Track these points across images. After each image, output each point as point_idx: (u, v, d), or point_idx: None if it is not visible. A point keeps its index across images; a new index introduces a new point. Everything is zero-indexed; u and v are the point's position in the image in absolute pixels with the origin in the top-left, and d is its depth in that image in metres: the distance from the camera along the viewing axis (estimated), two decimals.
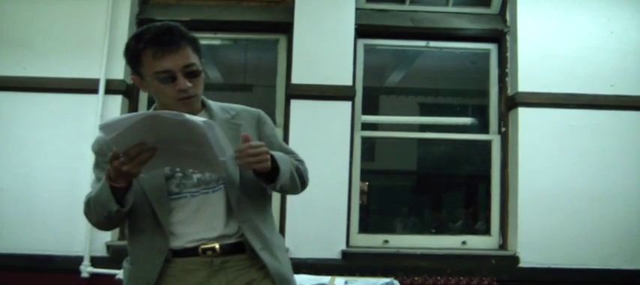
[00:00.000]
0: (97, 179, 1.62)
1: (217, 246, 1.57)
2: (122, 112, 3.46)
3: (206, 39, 3.84)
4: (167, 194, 1.56)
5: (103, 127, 1.34)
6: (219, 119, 1.64)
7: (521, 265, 3.38)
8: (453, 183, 4.42)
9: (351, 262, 3.33)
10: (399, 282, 3.15)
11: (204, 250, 1.57)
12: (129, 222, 1.64)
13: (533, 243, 3.37)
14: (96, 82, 3.40)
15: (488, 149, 3.68)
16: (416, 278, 3.28)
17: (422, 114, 4.60)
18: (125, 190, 1.47)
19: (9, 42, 3.47)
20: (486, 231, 3.66)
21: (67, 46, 3.46)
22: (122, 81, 3.46)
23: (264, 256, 1.58)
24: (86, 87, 3.40)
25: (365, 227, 3.64)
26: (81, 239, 3.29)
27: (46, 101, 3.42)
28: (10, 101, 3.42)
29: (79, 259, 3.28)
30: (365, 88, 3.71)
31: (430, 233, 3.85)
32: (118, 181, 1.43)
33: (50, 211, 3.32)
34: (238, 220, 1.58)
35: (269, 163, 1.49)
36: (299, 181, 1.66)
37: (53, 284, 3.28)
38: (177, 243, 1.58)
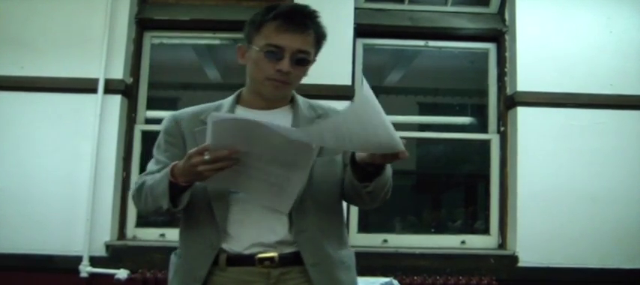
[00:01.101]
0: (156, 162, 1.56)
1: (276, 256, 1.46)
2: (121, 112, 3.45)
3: (205, 39, 3.85)
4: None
5: (214, 117, 1.27)
6: (303, 117, 1.58)
7: (521, 264, 3.38)
8: (452, 182, 4.42)
9: None
10: (399, 281, 3.16)
11: (262, 260, 1.46)
12: (183, 212, 1.54)
13: (533, 242, 3.37)
14: (95, 81, 3.39)
15: (488, 149, 3.68)
16: (415, 278, 3.28)
17: (421, 113, 4.58)
18: (183, 189, 1.39)
19: (7, 41, 3.46)
20: (485, 230, 3.66)
21: (66, 46, 3.46)
22: (121, 80, 3.46)
23: (315, 273, 1.46)
24: (85, 86, 3.40)
25: (364, 226, 3.63)
26: (80, 239, 3.29)
27: (45, 101, 3.41)
28: (8, 101, 3.42)
29: (77, 259, 3.28)
30: None
31: (429, 233, 3.84)
32: (182, 177, 1.35)
33: (49, 210, 3.32)
34: (296, 228, 1.47)
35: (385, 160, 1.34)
36: (382, 198, 1.51)
37: (52, 284, 3.27)
38: (232, 246, 1.48)
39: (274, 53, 1.47)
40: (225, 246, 1.48)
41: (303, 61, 1.51)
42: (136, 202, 1.54)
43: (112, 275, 3.26)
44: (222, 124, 1.28)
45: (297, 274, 1.48)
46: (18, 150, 3.37)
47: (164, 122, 1.61)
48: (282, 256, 1.47)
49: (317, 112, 1.62)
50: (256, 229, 1.46)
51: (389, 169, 1.46)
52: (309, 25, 1.50)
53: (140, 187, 1.50)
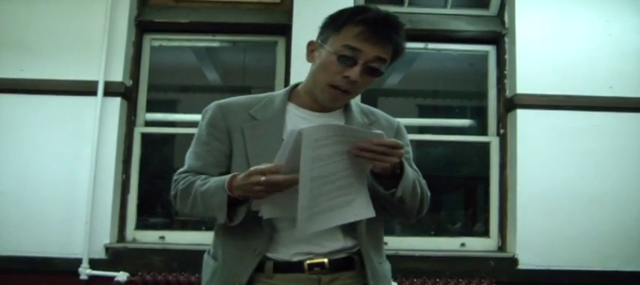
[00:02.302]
0: (196, 156, 1.48)
1: (326, 261, 1.41)
2: (121, 115, 3.46)
3: (204, 41, 3.85)
4: None
5: (306, 131, 1.21)
6: (355, 123, 1.52)
7: (520, 266, 3.38)
8: (452, 185, 4.42)
9: None
10: (398, 284, 3.16)
11: (311, 266, 1.40)
12: None
13: (532, 245, 3.37)
14: (94, 84, 3.39)
15: (487, 151, 3.68)
16: (415, 280, 3.28)
17: (420, 116, 4.59)
18: (241, 201, 1.33)
19: (7, 44, 3.46)
20: (485, 233, 3.66)
21: (66, 48, 3.46)
22: (121, 83, 3.46)
23: (373, 283, 1.44)
24: (85, 89, 3.40)
25: None
26: (79, 241, 3.28)
27: (45, 103, 3.41)
28: (8, 103, 3.42)
29: (77, 261, 3.27)
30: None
31: (429, 235, 3.84)
32: (239, 191, 1.30)
33: (49, 213, 3.32)
34: (355, 237, 1.44)
35: (391, 163, 1.31)
36: (419, 201, 1.46)
37: None
38: (279, 254, 1.41)
39: (348, 58, 1.40)
40: (270, 254, 1.41)
41: (375, 72, 1.43)
42: (179, 203, 1.45)
43: (111, 277, 3.26)
44: (310, 134, 1.21)
45: (347, 280, 1.44)
46: (18, 152, 3.37)
47: (208, 112, 1.51)
48: (332, 262, 1.42)
49: (369, 119, 1.57)
50: (307, 238, 1.37)
51: (411, 173, 1.41)
52: (390, 37, 1.42)
53: (188, 189, 1.41)
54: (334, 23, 1.44)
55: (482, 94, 3.80)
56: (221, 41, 3.83)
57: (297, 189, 1.22)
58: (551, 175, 3.40)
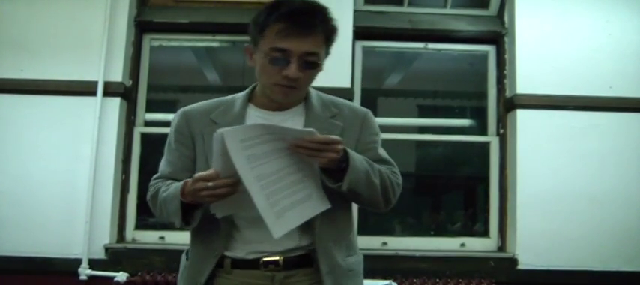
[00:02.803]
0: (167, 162, 1.54)
1: (280, 259, 1.43)
2: (120, 115, 3.46)
3: (204, 41, 3.85)
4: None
5: (226, 133, 1.23)
6: (316, 117, 1.50)
7: (520, 266, 3.38)
8: (452, 185, 4.42)
9: None
10: (398, 284, 3.16)
11: (266, 263, 1.44)
12: None
13: (532, 245, 3.37)
14: (94, 84, 3.39)
15: (487, 151, 3.68)
16: (415, 280, 3.28)
17: (420, 116, 4.59)
18: (195, 206, 1.37)
19: (6, 44, 3.46)
20: (485, 233, 3.66)
21: (65, 48, 3.46)
22: (120, 83, 3.46)
23: (328, 280, 1.43)
24: (84, 89, 3.40)
25: (364, 229, 3.63)
26: (79, 241, 3.28)
27: (44, 103, 3.41)
28: (8, 103, 3.42)
29: (77, 262, 3.27)
30: (363, 90, 3.71)
31: (429, 235, 3.84)
32: (190, 198, 1.34)
33: (48, 213, 3.32)
34: (314, 236, 1.44)
35: (329, 158, 1.31)
36: (381, 190, 1.44)
37: None
38: (236, 251, 1.45)
39: (279, 59, 1.38)
40: (228, 252, 1.46)
41: (312, 65, 1.41)
42: (151, 208, 1.52)
43: (111, 278, 3.26)
44: (231, 136, 1.23)
45: (302, 276, 1.46)
46: (17, 153, 3.37)
47: (174, 119, 1.56)
48: (286, 260, 1.44)
49: (332, 111, 1.54)
50: (261, 236, 1.38)
51: (360, 165, 1.38)
52: (314, 26, 1.39)
53: (155, 196, 1.48)
54: (257, 26, 1.43)
55: (482, 94, 3.80)
56: (221, 41, 3.83)
57: (246, 189, 1.25)
58: (551, 175, 3.40)
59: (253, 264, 1.44)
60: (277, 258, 1.43)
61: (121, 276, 3.25)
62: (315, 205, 1.36)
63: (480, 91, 3.85)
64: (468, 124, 4.18)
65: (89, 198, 3.30)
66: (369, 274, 3.20)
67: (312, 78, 1.46)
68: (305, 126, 1.47)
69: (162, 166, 1.56)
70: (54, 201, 3.33)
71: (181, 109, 1.56)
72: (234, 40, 3.80)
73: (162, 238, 3.48)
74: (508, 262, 3.40)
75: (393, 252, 3.46)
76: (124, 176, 3.51)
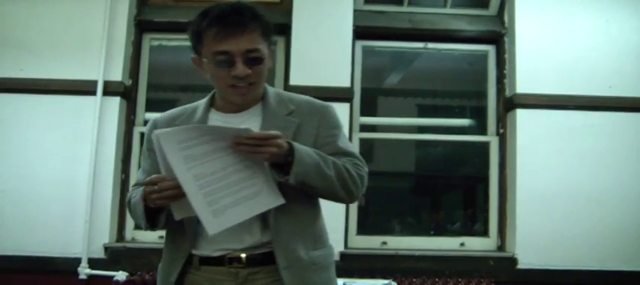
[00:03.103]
0: (142, 170, 1.62)
1: (244, 257, 1.48)
2: (120, 114, 3.46)
3: None
4: None
5: (160, 135, 1.30)
6: (273, 114, 1.54)
7: (520, 266, 3.38)
8: (452, 184, 4.42)
9: (349, 264, 3.32)
10: (398, 283, 3.16)
11: (231, 260, 1.48)
12: (166, 220, 1.53)
13: (532, 244, 3.37)
14: (94, 83, 3.39)
15: (487, 151, 3.68)
16: (414, 280, 3.28)
17: (420, 115, 4.59)
18: (158, 210, 1.44)
19: (6, 43, 3.46)
20: (484, 232, 3.66)
21: (65, 48, 3.46)
22: (120, 82, 3.46)
23: (287, 275, 1.45)
24: (84, 88, 3.40)
25: (363, 229, 3.63)
26: (79, 241, 3.29)
27: (44, 103, 3.41)
28: (8, 103, 3.41)
29: (76, 261, 3.27)
30: (363, 90, 3.71)
31: (428, 235, 3.84)
32: (147, 202, 1.41)
33: (48, 212, 3.32)
34: (271, 232, 1.47)
35: (270, 153, 1.35)
36: (339, 184, 1.47)
37: None
38: (202, 250, 1.50)
39: (224, 61, 1.44)
40: (195, 251, 1.52)
41: (257, 60, 1.46)
42: (130, 214, 1.60)
43: (110, 277, 3.25)
44: (167, 138, 1.28)
45: (265, 274, 1.49)
46: (17, 152, 3.37)
47: (147, 128, 1.64)
48: (249, 257, 1.48)
49: (289, 108, 1.56)
50: (226, 235, 1.42)
51: (308, 158, 1.42)
52: (246, 23, 1.43)
53: (129, 202, 1.56)
54: (194, 35, 1.48)
55: (482, 94, 3.81)
56: None
57: (214, 179, 1.33)
58: (550, 175, 3.40)
59: (219, 261, 1.49)
60: (241, 255, 1.48)
61: (121, 275, 3.25)
62: (266, 201, 1.40)
63: (479, 91, 3.85)
64: (467, 123, 4.18)
65: (89, 197, 3.30)
66: (369, 273, 3.23)
67: (262, 73, 1.50)
68: (262, 124, 1.51)
69: (139, 174, 1.64)
70: (53, 200, 3.33)
71: (152, 119, 1.65)
72: None
73: (161, 237, 3.44)
74: (507, 262, 3.40)
75: (393, 251, 3.46)
76: (123, 176, 3.51)
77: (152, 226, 1.47)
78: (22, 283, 3.24)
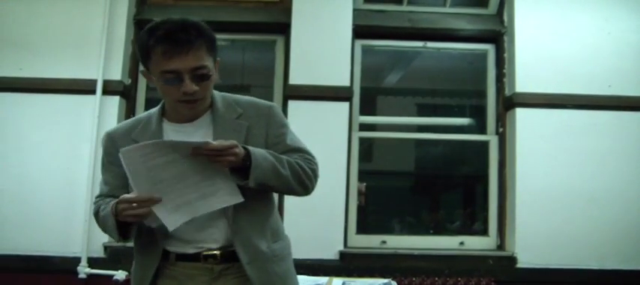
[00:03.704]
0: (104, 182, 1.67)
1: (218, 253, 1.56)
2: (120, 113, 3.46)
3: None
4: None
5: (124, 153, 1.37)
6: (223, 121, 1.60)
7: (519, 265, 3.38)
8: (451, 184, 4.42)
9: (348, 263, 3.33)
10: (397, 283, 3.15)
11: (206, 257, 1.56)
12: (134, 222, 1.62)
13: (531, 243, 3.37)
14: (93, 82, 3.39)
15: (486, 150, 3.68)
16: (414, 279, 3.28)
17: (419, 115, 4.59)
18: (130, 224, 1.50)
19: (6, 42, 3.46)
20: (484, 231, 3.67)
21: (65, 47, 3.46)
22: (120, 82, 3.46)
23: (251, 270, 1.54)
24: (83, 88, 3.40)
25: (363, 228, 3.63)
26: (78, 240, 3.29)
27: (43, 102, 3.41)
28: (7, 102, 3.41)
29: (76, 260, 3.28)
30: (363, 89, 3.71)
31: (428, 234, 3.84)
32: (120, 217, 1.46)
33: (47, 212, 3.32)
34: (231, 230, 1.55)
35: (230, 160, 1.43)
36: (294, 180, 1.57)
37: None
38: (178, 248, 1.58)
39: (173, 79, 1.47)
40: (170, 248, 1.58)
41: (204, 76, 1.51)
42: (97, 225, 1.65)
43: (110, 276, 3.25)
44: (131, 155, 1.37)
45: (236, 269, 1.57)
46: (16, 151, 3.37)
47: (101, 142, 1.67)
48: (223, 254, 1.56)
49: (237, 112, 1.63)
50: (199, 235, 1.55)
51: (263, 161, 1.49)
52: (192, 41, 1.47)
53: (96, 214, 1.62)
54: (142, 52, 1.52)
55: (482, 93, 3.81)
56: (220, 40, 3.80)
57: (174, 187, 1.42)
58: (549, 174, 3.41)
59: (195, 257, 1.56)
60: (216, 252, 1.56)
61: (120, 274, 3.25)
62: (224, 199, 1.49)
63: (479, 90, 3.85)
64: (467, 122, 4.18)
65: (88, 196, 3.30)
66: (368, 272, 3.23)
67: (209, 88, 1.56)
68: (214, 131, 1.58)
69: (101, 185, 1.69)
70: (53, 199, 3.33)
71: (106, 132, 1.68)
72: (232, 38, 3.80)
73: None
74: (507, 261, 3.41)
75: (392, 251, 3.46)
76: None
77: (124, 238, 1.53)
78: (22, 283, 3.24)
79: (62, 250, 3.29)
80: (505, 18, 3.69)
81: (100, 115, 3.38)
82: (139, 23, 3.63)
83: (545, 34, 3.54)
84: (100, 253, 3.34)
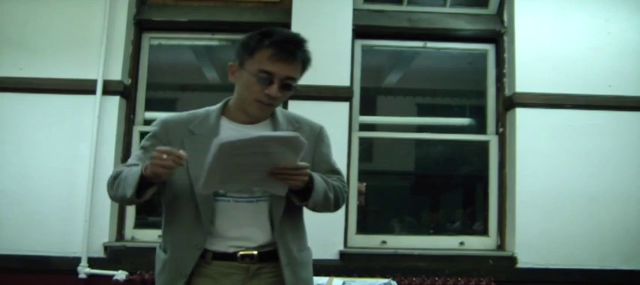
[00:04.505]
0: (137, 158, 1.69)
1: (256, 253, 1.65)
2: (120, 114, 3.46)
3: (203, 40, 3.85)
4: (213, 194, 1.62)
5: (222, 145, 1.38)
6: (280, 127, 1.71)
7: (519, 265, 3.38)
8: (451, 184, 4.43)
9: (348, 263, 3.33)
10: (397, 283, 3.16)
11: (243, 257, 1.64)
12: (168, 212, 1.71)
13: (531, 243, 3.37)
14: (93, 82, 3.39)
15: (486, 150, 3.68)
16: (414, 279, 3.28)
17: (419, 115, 4.60)
18: (150, 184, 1.53)
19: (6, 42, 3.46)
20: (484, 231, 3.67)
21: (65, 47, 3.46)
22: (119, 82, 3.46)
23: (286, 272, 1.65)
24: (83, 88, 3.40)
25: (363, 228, 3.64)
26: (78, 240, 3.29)
27: (44, 102, 3.41)
28: (7, 102, 3.41)
29: (76, 260, 3.28)
30: (363, 89, 3.71)
31: (428, 234, 3.84)
32: (148, 170, 1.47)
33: (48, 212, 3.32)
34: (276, 233, 1.66)
35: (302, 183, 1.54)
36: (333, 201, 1.71)
37: None
38: (217, 246, 1.65)
39: (265, 79, 1.59)
40: (209, 246, 1.65)
41: (289, 87, 1.63)
42: (108, 189, 1.66)
43: (110, 276, 3.26)
44: (226, 148, 1.38)
45: (270, 269, 1.67)
46: (17, 151, 3.37)
47: (155, 126, 1.73)
48: (260, 254, 1.66)
49: (294, 126, 1.75)
50: (238, 233, 1.65)
51: (320, 186, 1.62)
52: (298, 56, 1.61)
53: (116, 175, 1.63)
54: (247, 48, 1.62)
55: (481, 93, 3.81)
56: (220, 40, 3.83)
57: (239, 171, 1.46)
58: (550, 174, 3.41)
59: (232, 257, 1.65)
60: (253, 252, 1.65)
61: (121, 275, 3.25)
62: (268, 187, 1.57)
63: (479, 90, 3.85)
64: (467, 122, 4.18)
65: (88, 197, 3.30)
66: (368, 272, 3.24)
67: (285, 97, 1.67)
68: None
69: (131, 159, 1.73)
70: (53, 200, 3.33)
71: (161, 119, 1.75)
72: (233, 38, 3.79)
73: (161, 236, 3.47)
74: (507, 261, 3.41)
75: (393, 251, 3.46)
76: None
77: (138, 197, 1.53)
78: (22, 283, 3.24)
79: (62, 250, 3.29)
80: (505, 18, 3.69)
81: (100, 115, 3.38)
82: (139, 23, 3.63)
83: (545, 34, 3.54)
84: (100, 253, 3.34)
